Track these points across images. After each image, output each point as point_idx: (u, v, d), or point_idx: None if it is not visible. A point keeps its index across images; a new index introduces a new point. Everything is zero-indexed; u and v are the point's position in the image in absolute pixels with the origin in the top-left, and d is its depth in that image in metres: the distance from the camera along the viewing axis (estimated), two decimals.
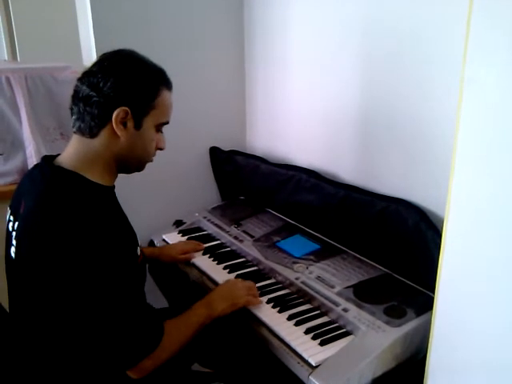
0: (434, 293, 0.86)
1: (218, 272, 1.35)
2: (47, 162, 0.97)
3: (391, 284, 1.21)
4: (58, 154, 0.99)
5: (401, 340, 1.02)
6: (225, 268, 1.36)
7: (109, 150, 0.96)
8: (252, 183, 1.73)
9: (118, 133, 0.94)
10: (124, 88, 0.93)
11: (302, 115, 1.60)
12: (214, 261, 1.41)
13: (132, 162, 1.02)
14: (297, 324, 1.09)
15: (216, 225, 1.61)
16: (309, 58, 1.51)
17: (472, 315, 0.80)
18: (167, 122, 1.03)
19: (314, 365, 0.97)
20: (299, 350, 1.01)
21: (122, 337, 0.90)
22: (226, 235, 1.53)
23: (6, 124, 1.65)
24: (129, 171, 1.04)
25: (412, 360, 1.04)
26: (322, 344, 1.02)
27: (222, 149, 1.80)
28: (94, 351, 0.93)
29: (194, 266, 1.41)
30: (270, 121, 1.75)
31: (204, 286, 1.33)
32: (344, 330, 1.07)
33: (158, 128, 1.02)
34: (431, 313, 0.87)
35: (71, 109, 0.96)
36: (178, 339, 1.00)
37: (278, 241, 1.45)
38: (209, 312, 1.08)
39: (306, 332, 1.06)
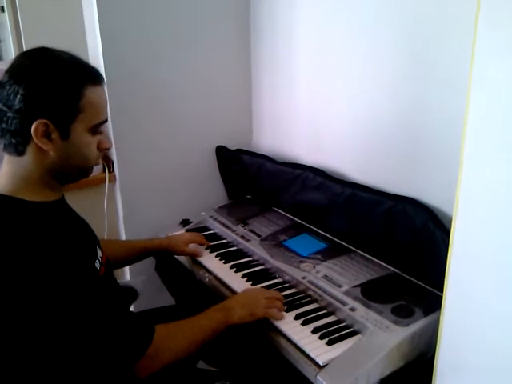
0: (442, 292, 0.85)
1: (224, 271, 1.34)
2: None
3: (399, 283, 1.20)
4: None
5: (409, 340, 1.01)
6: (231, 267, 1.36)
7: (40, 166, 0.87)
8: (258, 182, 1.73)
9: (44, 147, 0.85)
10: (37, 98, 0.82)
11: (308, 113, 1.59)
12: (220, 260, 1.41)
13: (71, 171, 0.92)
14: (304, 323, 1.09)
15: (223, 224, 1.61)
16: (315, 57, 1.51)
17: (481, 315, 0.79)
18: (105, 121, 0.92)
19: (321, 364, 0.96)
20: (306, 349, 1.00)
21: (107, 347, 0.88)
22: (233, 234, 1.52)
23: None
24: (72, 180, 0.95)
25: (420, 360, 1.04)
26: (329, 343, 1.01)
27: (229, 148, 1.80)
28: (83, 367, 0.90)
29: (201, 265, 1.41)
30: (276, 119, 1.75)
31: (211, 285, 1.33)
32: (351, 329, 1.07)
33: (94, 130, 0.90)
34: (439, 312, 0.86)
35: None
36: (181, 340, 0.98)
37: (285, 240, 1.45)
38: (225, 318, 1.04)
39: (314, 331, 1.05)
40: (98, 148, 0.94)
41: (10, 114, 0.83)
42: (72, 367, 0.89)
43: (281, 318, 1.10)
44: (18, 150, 0.86)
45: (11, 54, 3.15)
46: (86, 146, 0.90)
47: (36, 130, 0.83)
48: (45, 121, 0.83)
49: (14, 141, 0.85)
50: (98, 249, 0.96)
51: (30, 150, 0.86)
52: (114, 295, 0.95)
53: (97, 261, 0.92)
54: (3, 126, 0.85)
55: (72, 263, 0.84)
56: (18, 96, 0.82)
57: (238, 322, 1.06)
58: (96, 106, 0.89)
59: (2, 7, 3.36)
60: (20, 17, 2.94)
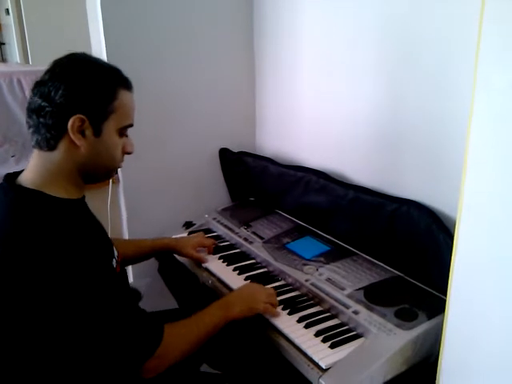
0: (445, 295, 0.85)
1: (227, 274, 1.34)
2: (9, 181, 0.92)
3: (402, 286, 1.19)
4: (22, 171, 0.95)
5: (412, 343, 1.00)
6: (234, 270, 1.36)
7: (70, 162, 0.91)
8: (262, 184, 1.73)
9: (77, 142, 0.89)
10: (76, 94, 0.88)
11: (311, 116, 1.59)
12: (223, 262, 1.41)
13: (98, 170, 0.97)
14: (307, 326, 1.08)
15: (225, 226, 1.61)
16: (320, 59, 1.51)
17: (484, 318, 0.79)
18: (131, 125, 0.98)
19: (324, 368, 0.96)
20: (309, 352, 1.00)
21: (118, 345, 0.89)
22: (236, 237, 1.53)
23: (17, 126, 1.67)
24: (97, 180, 0.99)
25: (423, 363, 1.03)
26: (332, 347, 1.01)
27: (232, 150, 1.81)
28: (93, 364, 0.91)
29: (204, 267, 1.40)
30: (280, 122, 1.75)
31: (214, 287, 1.33)
32: (354, 332, 1.06)
33: (122, 132, 0.96)
34: (443, 316, 0.86)
35: (27, 122, 0.92)
36: (187, 339, 0.99)
37: (288, 242, 1.45)
38: (225, 313, 1.06)
39: (317, 334, 1.05)
40: (122, 151, 0.99)
41: (48, 109, 0.87)
42: (80, 364, 0.90)
43: (277, 314, 1.12)
44: (50, 144, 0.90)
45: (16, 56, 3.18)
46: (113, 147, 0.95)
47: (73, 124, 0.88)
48: (82, 116, 0.88)
49: (48, 135, 0.89)
50: (114, 248, 1.00)
51: (61, 145, 0.90)
52: (127, 293, 0.98)
53: (113, 259, 0.96)
54: (41, 120, 0.89)
55: (93, 259, 0.87)
56: (60, 91, 0.87)
57: (238, 317, 1.08)
58: (126, 108, 0.95)
59: (7, 10, 3.39)
60: (25, 19, 2.95)
